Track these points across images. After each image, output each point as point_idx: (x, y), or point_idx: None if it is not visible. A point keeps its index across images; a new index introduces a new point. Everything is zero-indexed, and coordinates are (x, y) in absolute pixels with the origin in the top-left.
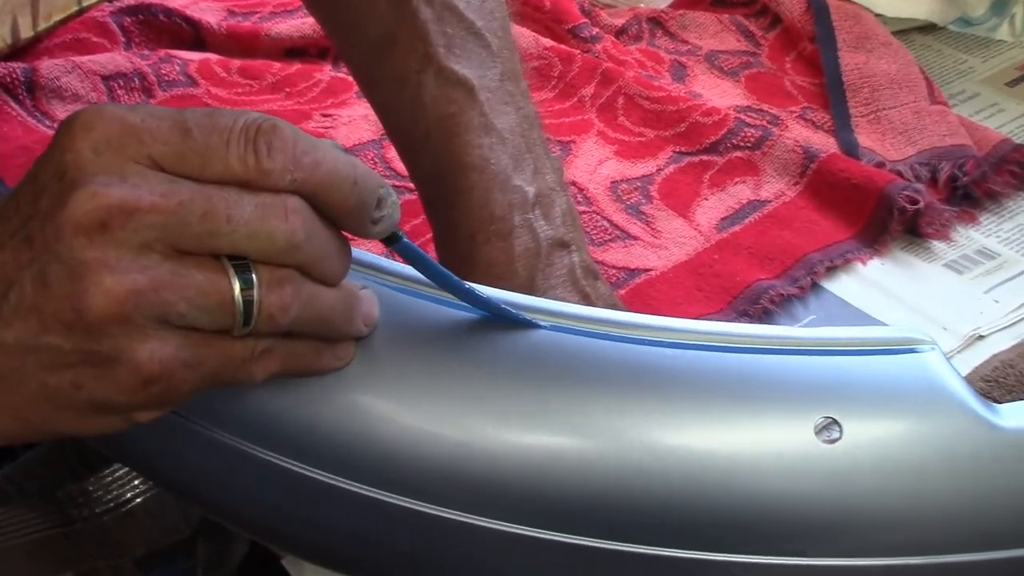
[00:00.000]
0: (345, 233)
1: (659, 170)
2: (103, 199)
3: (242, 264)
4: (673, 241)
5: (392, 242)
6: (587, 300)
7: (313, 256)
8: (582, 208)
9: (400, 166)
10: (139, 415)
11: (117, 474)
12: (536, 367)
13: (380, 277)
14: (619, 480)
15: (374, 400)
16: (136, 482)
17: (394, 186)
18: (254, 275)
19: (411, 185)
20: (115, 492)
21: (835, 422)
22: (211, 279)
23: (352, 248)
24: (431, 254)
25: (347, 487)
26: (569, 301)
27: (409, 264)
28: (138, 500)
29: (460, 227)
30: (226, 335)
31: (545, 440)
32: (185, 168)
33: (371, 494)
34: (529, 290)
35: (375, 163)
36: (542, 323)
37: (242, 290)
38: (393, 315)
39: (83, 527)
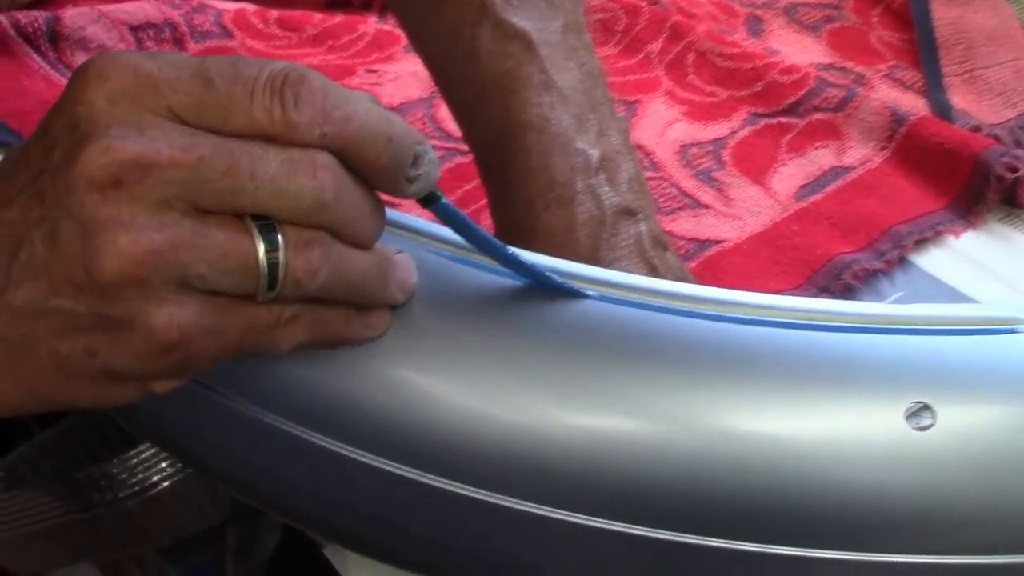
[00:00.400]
0: (380, 193)
1: (732, 133)
2: (118, 153)
3: (267, 224)
4: (747, 210)
5: (429, 203)
6: (655, 273)
7: (343, 216)
8: (648, 174)
9: (452, 127)
10: (156, 384)
11: (143, 456)
12: (593, 341)
13: (418, 240)
14: (690, 467)
15: (415, 375)
16: (163, 464)
17: (446, 148)
18: (280, 236)
19: (464, 147)
20: (140, 475)
21: (927, 407)
22: (234, 239)
23: (388, 209)
24: (485, 222)
25: (386, 467)
26: (635, 273)
27: (448, 227)
28: (165, 484)
29: (517, 193)
30: (249, 300)
31: (609, 422)
32: (206, 120)
33: (416, 476)
34: (592, 261)
35: (424, 123)
36: (590, 292)
37: (267, 252)
38: (432, 282)
39: (105, 512)
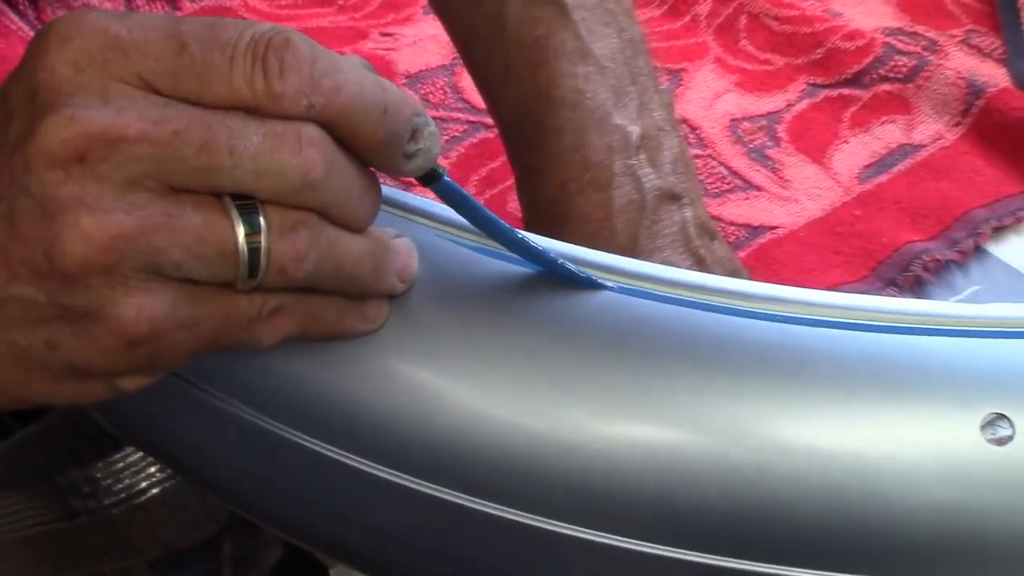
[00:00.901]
0: (375, 171)
1: (789, 106)
2: (81, 125)
3: (248, 205)
4: (805, 193)
5: (430, 181)
6: (701, 264)
7: (333, 196)
8: (695, 152)
9: (475, 97)
10: (124, 382)
11: (130, 459)
12: (625, 340)
13: (419, 222)
14: (742, 485)
15: (421, 374)
16: (152, 469)
17: (468, 122)
18: (262, 218)
19: (489, 121)
20: (127, 481)
21: (1005, 418)
22: (210, 222)
23: (384, 188)
24: (511, 205)
25: (388, 477)
26: (679, 265)
27: (450, 207)
28: (154, 491)
29: (548, 174)
30: (228, 289)
31: (651, 434)
32: (180, 90)
33: (432, 491)
34: (631, 252)
35: (444, 93)
36: (608, 283)
37: (247, 235)
38: (436, 269)
39: (88, 521)
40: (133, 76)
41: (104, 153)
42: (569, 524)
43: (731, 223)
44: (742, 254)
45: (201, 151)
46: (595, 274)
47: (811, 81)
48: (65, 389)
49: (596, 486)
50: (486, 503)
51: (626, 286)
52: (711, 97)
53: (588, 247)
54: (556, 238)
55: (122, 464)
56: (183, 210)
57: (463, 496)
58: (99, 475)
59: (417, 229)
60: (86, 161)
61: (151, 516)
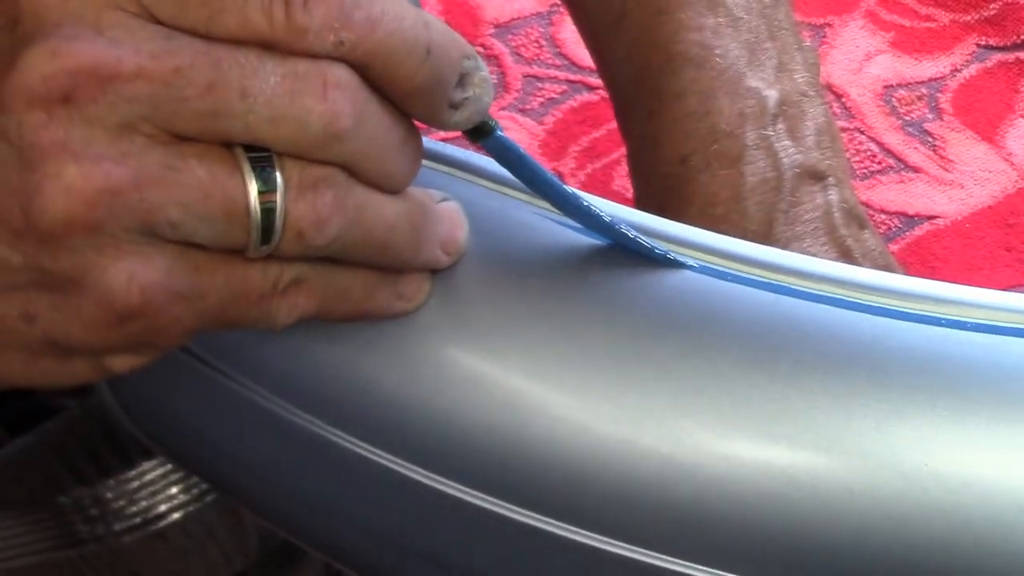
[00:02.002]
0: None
1: (955, 72)
2: (68, 59)
3: (263, 158)
4: (972, 177)
5: (480, 135)
6: (847, 256)
7: (364, 150)
8: (840, 124)
9: (578, 52)
10: (112, 361)
11: (147, 477)
12: (731, 336)
13: (472, 181)
14: (896, 521)
15: (475, 365)
16: (173, 490)
17: (568, 81)
18: (278, 174)
19: (594, 81)
20: (143, 503)
21: None
22: (217, 176)
23: (427, 140)
24: (618, 181)
25: (447, 489)
26: (822, 256)
27: (503, 166)
28: (175, 516)
29: (667, 145)
30: (238, 256)
31: (784, 457)
32: (187, 20)
33: (485, 504)
34: (765, 239)
35: (540, 46)
36: (688, 262)
37: (260, 193)
38: (490, 239)
39: (95, 549)
40: (131, 2)
41: (94, 92)
42: (667, 556)
43: (881, 210)
44: (894, 248)
45: (207, 92)
46: (674, 250)
47: (982, 42)
48: (44, 368)
49: (712, 515)
50: (569, 527)
51: (712, 266)
52: (860, 59)
53: (715, 232)
54: (679, 222)
55: (138, 483)
56: (185, 161)
57: (539, 517)
58: (110, 495)
59: (467, 189)
60: (72, 101)
61: (170, 547)
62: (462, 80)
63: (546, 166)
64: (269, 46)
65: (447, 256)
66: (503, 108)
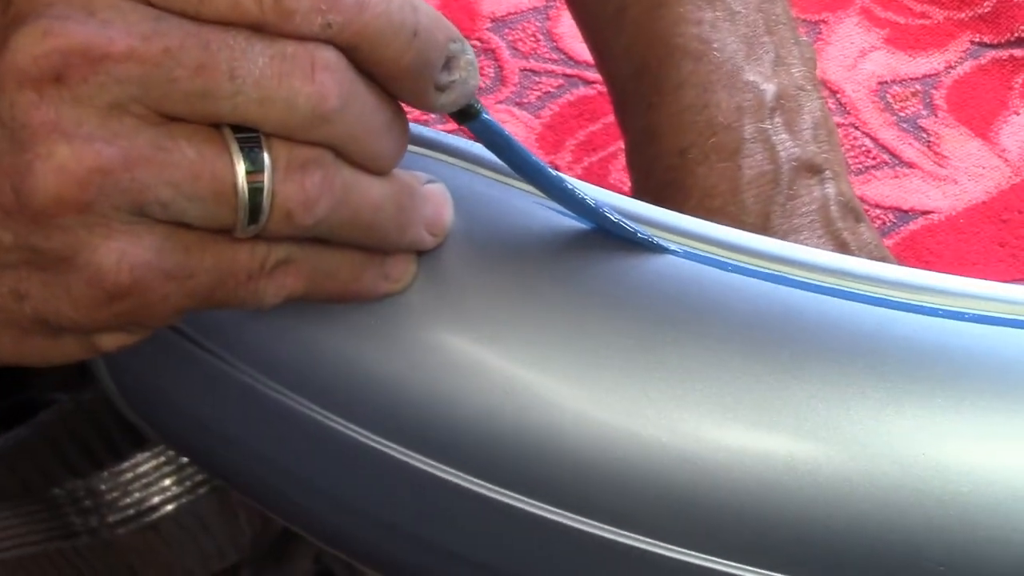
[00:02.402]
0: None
1: (949, 68)
2: (59, 39)
3: (251, 138)
4: (966, 172)
5: (466, 118)
6: (844, 249)
7: (351, 131)
8: (835, 119)
9: (575, 47)
10: (102, 340)
11: (140, 469)
12: (725, 322)
13: (455, 164)
14: (892, 509)
15: (462, 346)
16: (167, 482)
17: (565, 75)
18: (266, 154)
19: (590, 75)
20: (136, 494)
21: None
22: (206, 156)
23: (413, 125)
24: (615, 174)
25: (438, 472)
26: (818, 248)
27: (489, 149)
28: (168, 508)
29: (666, 138)
30: (226, 236)
31: (785, 446)
32: (177, 2)
33: (463, 482)
34: (762, 230)
35: (537, 40)
36: (671, 247)
37: (248, 174)
38: (476, 221)
39: (88, 542)
40: None
41: (85, 73)
42: (666, 543)
43: (876, 205)
44: (889, 242)
45: (197, 73)
46: (657, 235)
47: (976, 39)
48: (33, 346)
49: (710, 503)
50: (565, 513)
51: (698, 252)
52: (855, 55)
53: (713, 223)
54: (678, 212)
55: (131, 475)
56: (175, 142)
57: (531, 502)
58: (103, 487)
59: (452, 172)
60: (64, 82)
61: (162, 539)
62: (448, 63)
63: (543, 159)
64: (258, 28)
65: (433, 237)
66: (500, 102)
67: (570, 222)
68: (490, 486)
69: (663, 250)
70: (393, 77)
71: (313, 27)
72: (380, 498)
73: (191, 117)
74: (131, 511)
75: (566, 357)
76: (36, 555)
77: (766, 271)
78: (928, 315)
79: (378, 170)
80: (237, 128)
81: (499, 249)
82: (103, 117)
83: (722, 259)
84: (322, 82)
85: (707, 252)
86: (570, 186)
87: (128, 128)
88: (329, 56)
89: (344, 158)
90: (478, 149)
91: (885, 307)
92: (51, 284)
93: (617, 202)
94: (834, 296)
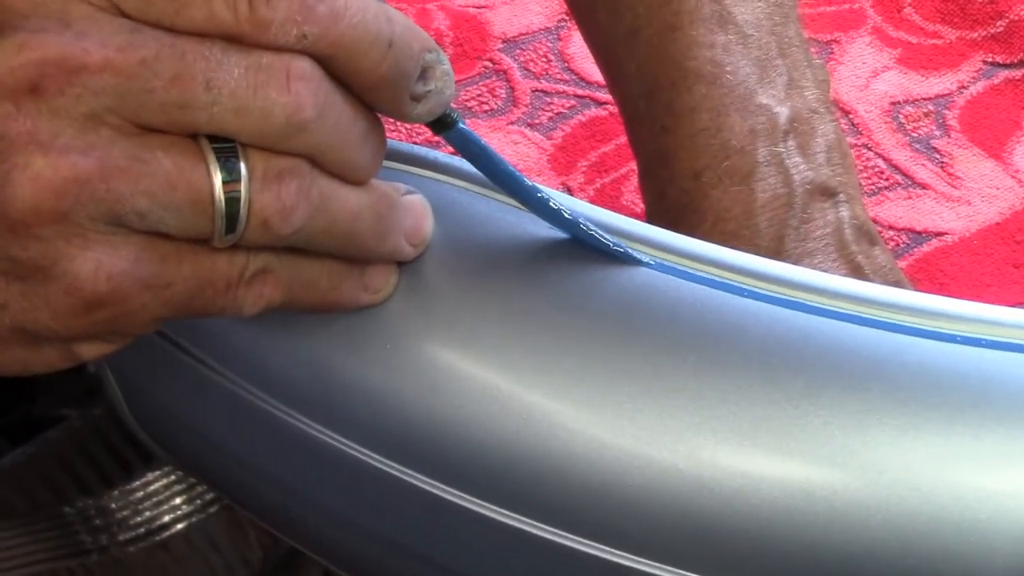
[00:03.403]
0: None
1: (961, 89)
2: (35, 51)
3: (228, 149)
4: (979, 193)
5: (443, 128)
6: (858, 273)
7: (327, 141)
8: (848, 140)
9: (587, 68)
10: (81, 348)
11: (152, 487)
12: (726, 341)
13: (438, 178)
14: (910, 535)
15: (448, 359)
16: (178, 500)
17: (577, 96)
18: (242, 164)
19: (602, 96)
20: (147, 513)
21: None
22: (182, 166)
23: (397, 142)
24: (627, 196)
25: (408, 479)
26: (833, 273)
27: (466, 158)
28: (179, 526)
29: (679, 161)
30: (204, 246)
31: (804, 473)
32: (152, 13)
33: (461, 502)
34: (775, 254)
35: (548, 60)
36: (644, 258)
37: (225, 183)
38: (458, 231)
39: (98, 560)
40: None
41: (61, 84)
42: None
43: (890, 227)
44: (903, 264)
45: (172, 83)
46: (631, 246)
47: (989, 59)
48: (13, 355)
49: (727, 530)
50: (579, 539)
51: (675, 266)
52: (867, 75)
53: (727, 247)
54: (691, 237)
55: (142, 493)
56: (151, 152)
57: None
58: (114, 505)
59: (431, 186)
60: (40, 93)
61: (172, 557)
62: (424, 73)
63: (555, 181)
64: (234, 39)
65: (412, 247)
66: (512, 123)
67: (555, 234)
68: (502, 510)
69: (638, 262)
70: (369, 87)
71: (289, 38)
72: (385, 519)
73: (168, 128)
74: (142, 529)
75: (582, 383)
76: (45, 573)
77: (781, 297)
78: (945, 341)
79: (356, 180)
80: (214, 138)
81: (488, 262)
82: (79, 128)
83: (736, 284)
84: (297, 92)
85: (721, 277)
86: (545, 196)
87: (104, 139)
88: (305, 66)
89: (321, 168)
90: (456, 162)
91: (901, 333)
92: (30, 294)
93: (595, 214)
94: (850, 322)
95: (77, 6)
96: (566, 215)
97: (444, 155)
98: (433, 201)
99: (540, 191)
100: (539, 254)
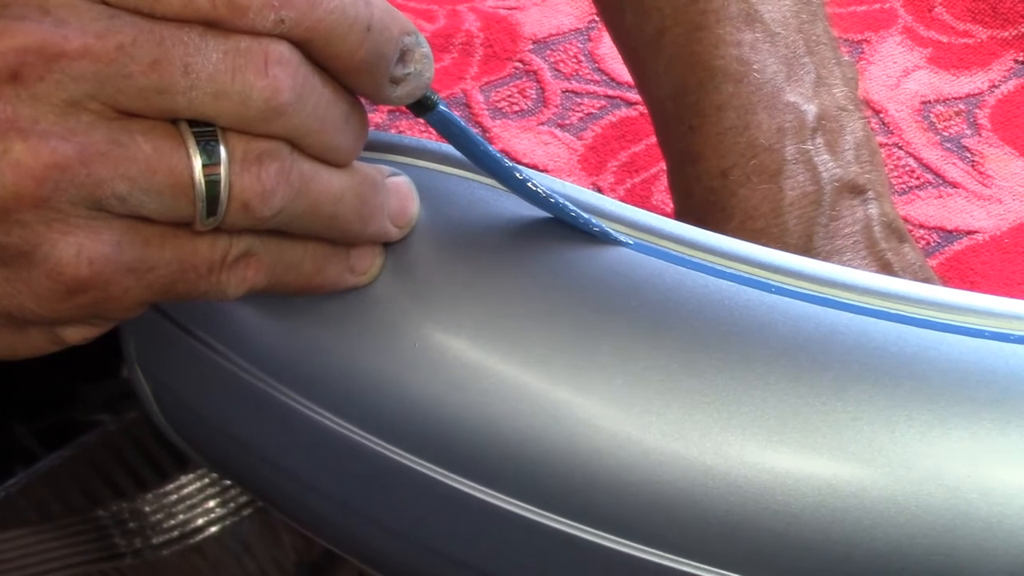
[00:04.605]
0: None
1: (993, 88)
2: (15, 38)
3: (207, 132)
4: (1010, 192)
5: (422, 110)
6: (887, 270)
7: (306, 124)
8: (878, 139)
9: (616, 68)
10: (66, 332)
11: (185, 491)
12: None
13: (419, 164)
14: (938, 531)
15: (443, 341)
16: (211, 504)
17: (607, 96)
18: (222, 147)
19: (632, 96)
20: (180, 516)
21: None
22: (162, 150)
23: (387, 133)
24: (658, 195)
25: (389, 454)
26: (862, 269)
27: (447, 139)
28: (212, 530)
29: (706, 160)
30: (186, 230)
31: (832, 469)
32: (130, 0)
33: (460, 486)
34: (804, 251)
35: (579, 61)
36: (624, 238)
37: (205, 166)
38: (447, 213)
39: (132, 563)
40: None
41: (41, 71)
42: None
43: (920, 225)
44: (933, 262)
45: (151, 69)
46: (613, 227)
47: (1020, 58)
48: (1, 339)
49: (755, 526)
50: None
51: (736, 272)
52: (898, 74)
53: (756, 244)
54: (719, 234)
55: (176, 496)
56: (131, 137)
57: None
58: (148, 509)
59: (415, 172)
60: (20, 80)
61: (206, 560)
62: (403, 56)
63: (585, 181)
64: (212, 24)
65: (398, 229)
66: (542, 123)
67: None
68: (534, 509)
69: (617, 242)
70: (348, 71)
71: (266, 23)
72: (418, 519)
73: (147, 112)
74: (175, 532)
75: (611, 380)
76: None
77: (809, 293)
78: (973, 336)
79: (337, 162)
80: (194, 122)
81: (477, 239)
82: (59, 114)
83: (764, 280)
84: (275, 76)
85: (748, 273)
86: (524, 177)
87: (84, 124)
88: (283, 50)
89: (302, 150)
90: (435, 146)
91: (929, 328)
92: (12, 279)
93: (574, 193)
94: (878, 318)
95: None
96: (544, 195)
97: (423, 140)
98: (423, 184)
99: (520, 171)
100: (537, 233)
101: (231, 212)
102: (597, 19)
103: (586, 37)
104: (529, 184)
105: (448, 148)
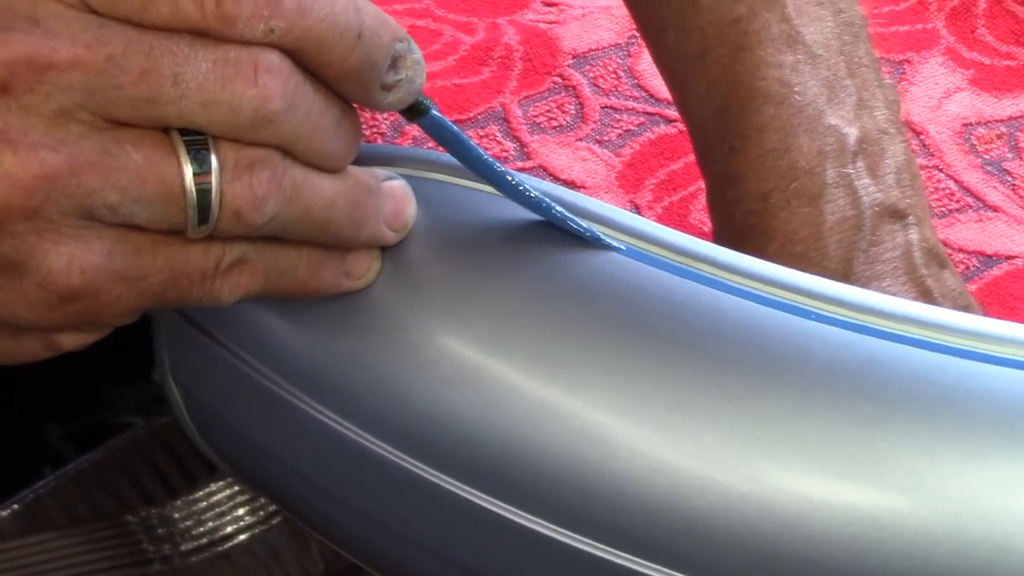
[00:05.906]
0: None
1: None
2: (5, 50)
3: (198, 141)
4: None
5: (415, 115)
6: (927, 297)
7: (297, 131)
8: (918, 162)
9: (656, 84)
10: (61, 338)
11: (215, 498)
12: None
13: (420, 173)
14: (976, 563)
15: (551, 393)
16: (240, 511)
17: (646, 113)
18: (213, 156)
19: (671, 113)
20: (210, 523)
21: None
22: (153, 160)
23: (380, 145)
24: (695, 215)
25: (393, 458)
26: (901, 296)
27: (440, 144)
28: (241, 537)
29: (747, 182)
30: (178, 238)
31: (870, 499)
32: (120, 9)
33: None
34: (843, 277)
35: (618, 77)
36: (616, 244)
37: (196, 175)
38: (446, 217)
39: (160, 569)
40: None
41: (31, 82)
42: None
43: (960, 249)
44: (972, 287)
45: (141, 79)
46: (605, 232)
47: None
48: None
49: (791, 555)
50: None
51: (774, 298)
52: (940, 96)
53: (794, 269)
54: (758, 258)
55: (206, 503)
56: (121, 146)
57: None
58: (177, 515)
59: (418, 181)
60: (10, 91)
61: (235, 568)
62: (395, 63)
63: (623, 198)
64: (201, 34)
65: (393, 233)
66: (580, 139)
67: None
68: (562, 530)
69: (609, 247)
70: (339, 78)
71: (255, 32)
72: (444, 535)
73: (137, 122)
74: (204, 540)
75: (648, 405)
76: None
77: (849, 320)
78: (1014, 368)
79: (329, 168)
80: (185, 131)
81: (478, 243)
82: (49, 125)
83: (803, 307)
84: (265, 84)
85: (788, 299)
86: (517, 182)
87: (74, 135)
88: (272, 59)
89: (293, 157)
90: (425, 154)
91: (970, 359)
92: (6, 288)
93: (568, 197)
94: (918, 347)
95: (46, 4)
96: (537, 199)
97: (417, 150)
98: (419, 190)
99: (512, 176)
100: (535, 237)
101: (223, 220)
102: (637, 35)
103: (626, 53)
104: (521, 188)
105: (443, 156)
